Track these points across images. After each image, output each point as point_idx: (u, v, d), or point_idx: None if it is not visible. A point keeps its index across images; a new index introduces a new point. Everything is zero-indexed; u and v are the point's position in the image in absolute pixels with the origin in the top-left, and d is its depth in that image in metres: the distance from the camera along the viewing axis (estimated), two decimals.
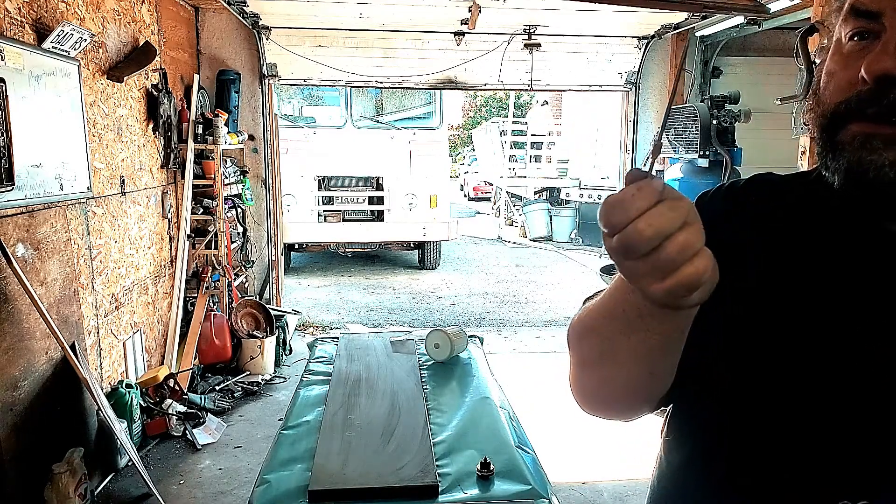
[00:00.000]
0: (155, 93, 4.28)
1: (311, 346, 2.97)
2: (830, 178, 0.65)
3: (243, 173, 5.62)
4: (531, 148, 13.63)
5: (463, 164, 24.50)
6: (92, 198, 3.46)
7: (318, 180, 8.31)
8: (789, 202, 0.72)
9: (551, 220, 12.17)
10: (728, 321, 0.69)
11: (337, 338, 2.94)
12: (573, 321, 0.75)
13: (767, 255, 0.70)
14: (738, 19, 5.04)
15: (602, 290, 0.71)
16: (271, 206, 5.90)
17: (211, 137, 4.76)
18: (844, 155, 0.63)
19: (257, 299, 5.47)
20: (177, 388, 3.98)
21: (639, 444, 3.31)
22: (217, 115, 4.88)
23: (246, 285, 5.82)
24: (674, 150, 5.33)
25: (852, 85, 0.63)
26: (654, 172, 0.53)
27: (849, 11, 0.66)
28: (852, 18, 0.65)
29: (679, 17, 5.24)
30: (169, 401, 3.84)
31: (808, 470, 0.64)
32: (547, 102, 15.16)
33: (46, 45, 2.92)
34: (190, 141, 4.70)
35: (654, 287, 0.52)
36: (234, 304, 5.07)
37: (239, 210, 5.64)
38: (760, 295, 0.68)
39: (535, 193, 13.48)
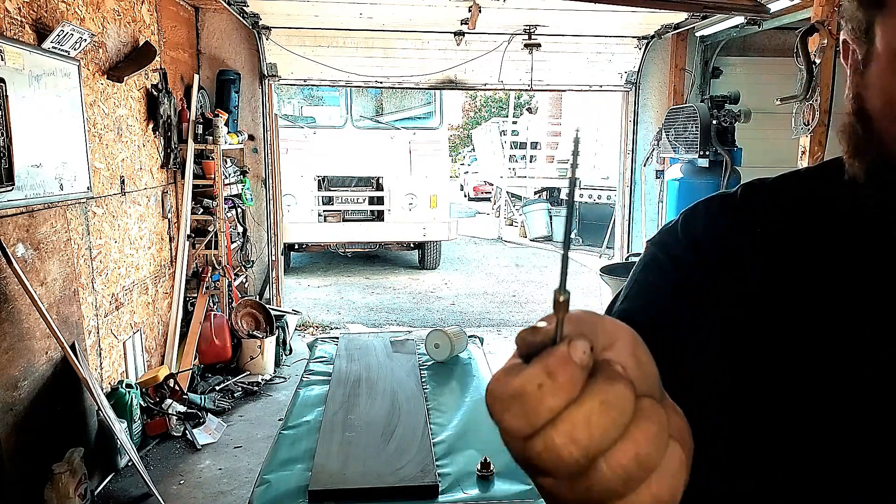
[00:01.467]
0: (155, 93, 4.28)
1: (311, 346, 2.97)
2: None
3: (243, 173, 5.62)
4: (525, 148, 13.64)
5: (463, 164, 24.50)
6: (92, 198, 3.46)
7: (318, 180, 8.31)
8: (789, 203, 0.69)
9: (551, 220, 12.18)
10: (726, 325, 0.67)
11: (337, 338, 2.94)
12: None
13: (769, 258, 0.67)
14: (738, 19, 5.04)
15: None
16: (271, 206, 5.90)
17: (211, 137, 4.76)
18: None
19: (257, 299, 5.47)
20: (177, 388, 3.98)
21: None
22: (217, 115, 4.88)
23: (246, 285, 5.82)
24: (674, 150, 5.33)
25: None
26: (563, 326, 0.33)
27: None
28: None
29: (679, 17, 5.24)
30: (169, 401, 3.84)
31: (812, 474, 0.62)
32: (530, 110, 15.20)
33: (46, 45, 2.92)
34: (190, 141, 4.70)
35: None
36: (234, 304, 5.07)
37: (239, 210, 5.64)
38: (763, 298, 0.65)
39: (535, 193, 13.49)
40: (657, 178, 5.89)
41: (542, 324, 0.34)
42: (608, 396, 0.31)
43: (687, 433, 0.38)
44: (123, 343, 3.87)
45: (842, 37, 0.62)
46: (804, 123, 3.58)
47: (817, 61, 3.46)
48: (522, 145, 13.68)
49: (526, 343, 0.33)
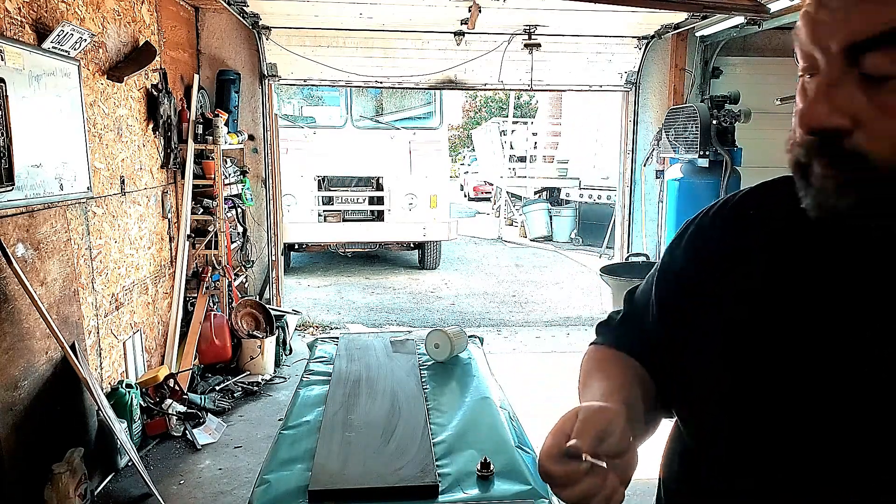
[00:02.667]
0: (155, 93, 4.28)
1: (311, 346, 2.96)
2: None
3: (243, 173, 5.62)
4: (525, 162, 13.61)
5: (463, 164, 24.50)
6: (92, 198, 3.46)
7: (318, 180, 8.31)
8: (793, 204, 0.68)
9: (551, 220, 12.18)
10: (729, 324, 0.69)
11: (337, 338, 2.93)
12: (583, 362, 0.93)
13: (772, 257, 0.68)
14: (738, 19, 5.04)
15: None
16: (271, 206, 5.90)
17: (211, 137, 4.76)
18: (810, 194, 0.61)
19: (257, 299, 5.47)
20: (177, 388, 3.98)
21: None
22: (217, 115, 4.88)
23: (246, 285, 5.82)
24: (674, 150, 5.33)
25: None
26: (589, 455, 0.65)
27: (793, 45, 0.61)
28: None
29: (679, 17, 5.24)
30: (169, 401, 3.84)
31: (811, 473, 0.63)
32: (526, 122, 15.34)
33: (46, 45, 2.92)
34: (190, 141, 4.70)
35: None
36: (234, 304, 5.06)
37: (239, 210, 5.64)
38: (765, 296, 0.67)
39: (535, 193, 13.49)
40: (657, 178, 5.89)
41: (573, 442, 0.65)
42: (590, 487, 0.64)
43: (635, 464, 0.68)
44: (123, 343, 3.87)
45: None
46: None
47: None
48: (522, 159, 13.64)
49: (563, 449, 0.65)
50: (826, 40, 0.56)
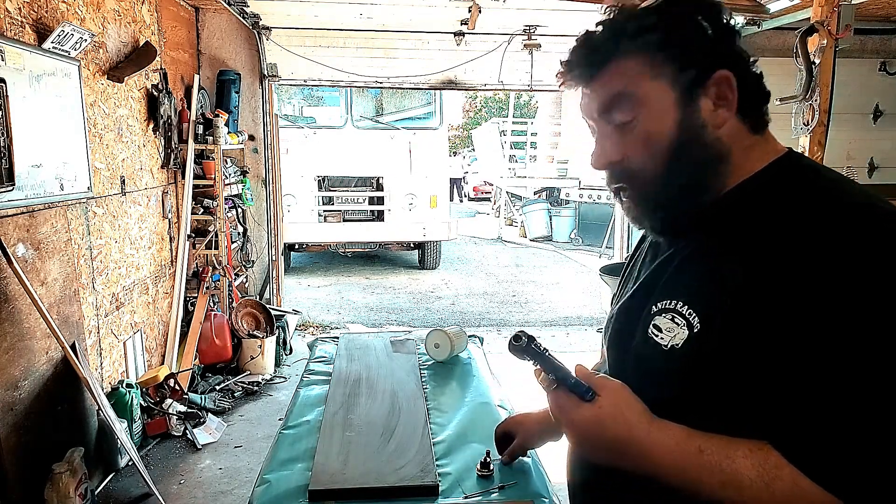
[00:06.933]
0: (155, 93, 4.28)
1: (311, 346, 2.96)
2: None
3: (243, 173, 5.62)
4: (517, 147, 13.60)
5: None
6: (92, 198, 3.46)
7: (319, 180, 8.31)
8: None
9: (551, 220, 12.18)
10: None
11: (337, 338, 2.93)
12: None
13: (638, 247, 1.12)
14: (738, 19, 5.04)
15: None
16: (271, 206, 5.90)
17: (211, 137, 4.76)
18: (628, 214, 0.98)
19: (257, 299, 5.47)
20: (177, 387, 3.99)
21: None
22: (217, 116, 4.88)
23: (246, 285, 5.82)
24: None
25: None
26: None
27: None
28: None
29: None
30: (169, 400, 3.85)
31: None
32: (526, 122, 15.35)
33: (47, 45, 2.92)
34: (190, 141, 4.70)
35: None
36: (234, 304, 5.07)
37: (239, 210, 5.64)
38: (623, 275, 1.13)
39: (535, 193, 13.49)
40: None
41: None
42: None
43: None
44: (124, 343, 3.87)
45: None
46: (804, 123, 3.58)
47: (817, 61, 3.46)
48: (523, 145, 13.62)
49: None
50: (590, 114, 0.92)
